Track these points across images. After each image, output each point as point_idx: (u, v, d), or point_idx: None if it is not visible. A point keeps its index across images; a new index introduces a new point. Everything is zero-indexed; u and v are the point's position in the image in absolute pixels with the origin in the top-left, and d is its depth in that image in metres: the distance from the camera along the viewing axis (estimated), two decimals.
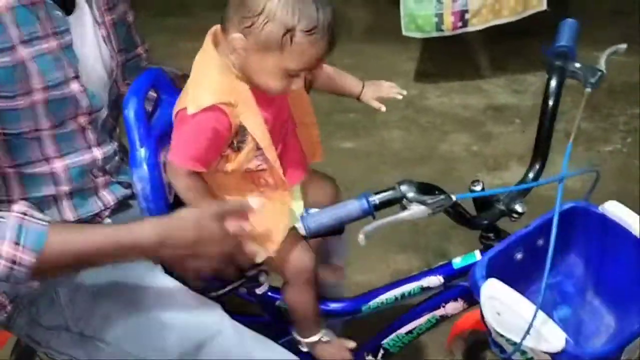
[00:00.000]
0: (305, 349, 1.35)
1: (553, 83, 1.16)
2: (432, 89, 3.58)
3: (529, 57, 3.53)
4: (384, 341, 1.37)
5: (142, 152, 1.07)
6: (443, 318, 1.31)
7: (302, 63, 1.05)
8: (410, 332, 1.34)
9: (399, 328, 1.35)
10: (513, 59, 3.80)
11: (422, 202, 1.02)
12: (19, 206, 0.99)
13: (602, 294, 1.12)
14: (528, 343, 0.95)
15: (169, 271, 1.20)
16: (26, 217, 0.97)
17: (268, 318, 1.39)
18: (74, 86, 1.07)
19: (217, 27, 1.10)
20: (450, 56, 3.72)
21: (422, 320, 1.32)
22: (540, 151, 1.17)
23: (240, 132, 1.10)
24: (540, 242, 1.11)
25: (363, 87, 1.38)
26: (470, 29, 3.34)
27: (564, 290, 1.17)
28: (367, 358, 1.40)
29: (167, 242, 1.02)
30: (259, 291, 1.32)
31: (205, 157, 1.10)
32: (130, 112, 1.07)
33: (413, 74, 3.68)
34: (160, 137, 1.12)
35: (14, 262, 0.94)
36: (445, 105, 3.44)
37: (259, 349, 1.18)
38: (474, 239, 1.25)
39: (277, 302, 1.35)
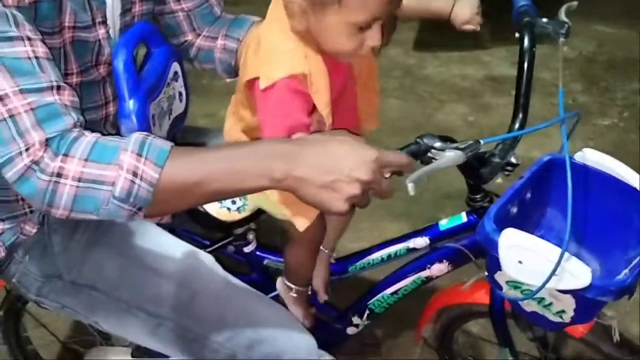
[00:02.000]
0: (278, 287, 1.36)
1: (526, 40, 1.18)
2: (430, 58, 3.56)
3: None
4: (370, 302, 1.39)
5: (130, 104, 1.06)
6: (428, 279, 1.33)
7: (366, 11, 0.93)
8: (395, 292, 1.36)
9: (384, 289, 1.36)
10: (513, 30, 3.77)
11: (456, 148, 1.01)
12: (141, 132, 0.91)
13: (584, 242, 1.13)
14: (553, 284, 0.95)
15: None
16: (150, 136, 0.89)
17: (255, 277, 1.41)
18: (101, 31, 1.06)
19: None
20: (449, 26, 3.68)
21: (407, 281, 1.33)
22: (521, 105, 1.18)
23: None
24: (528, 195, 1.12)
25: (453, 6, 1.26)
26: None
27: None
28: (353, 318, 1.42)
29: (303, 164, 0.84)
30: (247, 249, 1.34)
31: (302, 121, 1.00)
32: (119, 64, 1.06)
33: (412, 43, 3.65)
34: (149, 90, 1.11)
35: (135, 174, 0.85)
36: (443, 75, 3.43)
37: (250, 298, 1.19)
38: (466, 207, 1.26)
39: (265, 261, 1.36)
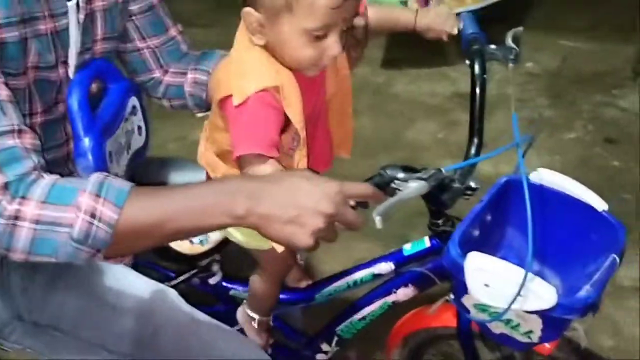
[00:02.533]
0: (239, 316, 1.35)
1: (477, 67, 1.20)
2: (399, 75, 3.59)
3: (495, 44, 3.56)
4: (338, 328, 1.39)
5: (86, 142, 1.06)
6: (395, 304, 1.33)
7: (318, 18, 0.93)
8: (363, 318, 1.36)
9: (352, 314, 1.36)
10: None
11: (419, 178, 1.02)
12: (102, 172, 0.90)
13: (545, 260, 1.14)
14: (519, 306, 0.96)
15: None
16: (109, 177, 0.88)
17: (221, 307, 1.40)
18: (61, 71, 1.06)
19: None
20: (417, 43, 3.71)
21: (374, 306, 1.34)
22: (476, 130, 1.20)
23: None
24: (489, 217, 1.14)
25: (416, 14, 1.26)
26: None
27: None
28: (321, 345, 1.42)
29: (266, 201, 0.84)
30: (212, 281, 1.33)
31: (272, 138, 0.98)
32: (73, 102, 1.06)
33: (380, 61, 3.68)
34: (106, 127, 1.11)
35: (93, 215, 0.84)
36: (412, 93, 3.45)
37: (215, 332, 1.18)
38: None
39: (231, 292, 1.36)
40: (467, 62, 1.22)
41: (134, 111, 1.21)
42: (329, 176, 1.00)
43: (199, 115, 1.32)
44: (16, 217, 0.85)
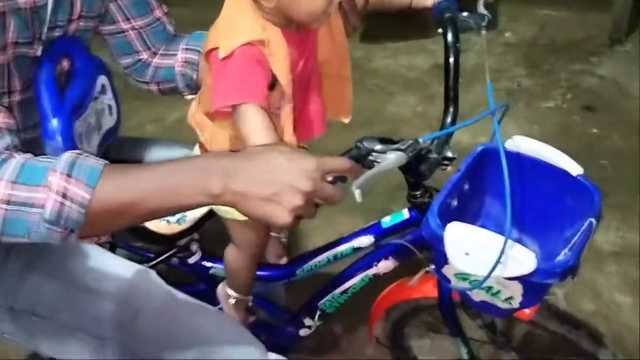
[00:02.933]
0: (218, 294, 1.35)
1: (449, 35, 1.19)
2: (378, 50, 3.57)
3: (468, 12, 3.55)
4: (320, 302, 1.38)
5: (54, 123, 1.03)
6: (376, 277, 1.33)
7: None
8: (345, 291, 1.36)
9: (334, 289, 1.36)
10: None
11: (397, 149, 1.02)
12: (75, 150, 0.88)
13: (523, 227, 1.15)
14: (499, 273, 0.97)
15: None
16: (81, 155, 0.85)
17: (202, 287, 1.39)
18: (38, 48, 1.04)
19: None
20: (395, 17, 3.70)
21: (355, 279, 1.33)
22: (451, 99, 1.19)
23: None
24: (466, 186, 1.14)
25: None
26: None
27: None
28: (304, 320, 1.42)
29: (241, 178, 0.82)
30: (191, 260, 1.32)
31: (259, 89, 0.97)
32: (40, 82, 1.04)
33: (359, 36, 3.66)
34: (75, 107, 1.08)
35: (64, 195, 0.82)
36: (391, 67, 3.45)
37: (196, 312, 1.18)
38: None
39: (211, 270, 1.35)
40: (440, 30, 1.21)
41: (103, 90, 1.18)
42: (308, 151, 1.01)
43: (189, 97, 1.30)
44: None
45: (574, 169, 1.12)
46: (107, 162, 0.86)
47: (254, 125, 0.95)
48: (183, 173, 0.84)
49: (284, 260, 1.37)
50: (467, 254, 0.98)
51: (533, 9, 3.88)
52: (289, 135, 1.05)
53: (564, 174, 1.12)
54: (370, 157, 1.03)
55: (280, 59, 1.01)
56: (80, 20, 1.13)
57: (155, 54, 1.27)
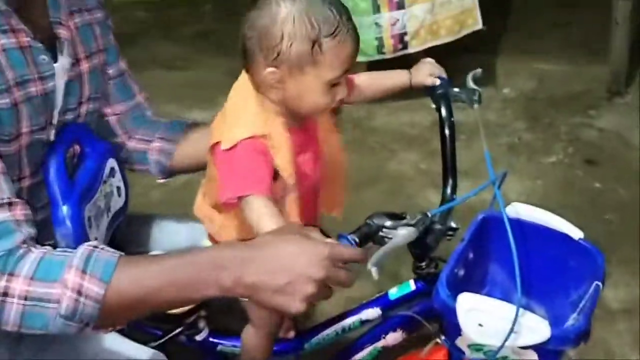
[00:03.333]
0: None
1: (443, 110, 1.23)
2: (378, 108, 3.62)
3: (457, 87, 3.61)
4: None
5: (64, 209, 1.05)
6: (385, 349, 1.32)
7: (339, 68, 1.03)
8: None
9: None
10: (455, 75, 3.88)
11: (407, 224, 1.05)
12: (91, 242, 0.91)
13: (528, 293, 1.14)
14: (514, 342, 0.97)
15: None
16: (97, 248, 0.88)
17: None
18: (51, 132, 1.08)
19: None
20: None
21: (364, 352, 1.33)
22: (450, 170, 1.22)
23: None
24: (471, 255, 1.15)
25: (410, 73, 1.31)
26: (410, 50, 3.40)
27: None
28: None
29: (252, 270, 0.83)
30: (199, 337, 1.32)
31: (264, 180, 1.00)
32: (50, 169, 1.06)
33: None
34: (84, 192, 1.10)
35: (80, 292, 0.84)
36: (392, 124, 3.48)
37: None
38: None
39: (219, 347, 1.34)
40: (434, 106, 1.25)
41: (112, 173, 1.21)
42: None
43: (161, 181, 1.36)
44: (5, 294, 0.86)
45: (575, 233, 1.14)
46: (121, 254, 0.88)
47: (261, 213, 0.98)
48: (194, 266, 0.85)
49: (291, 334, 1.37)
50: (480, 325, 0.99)
51: (530, 63, 3.94)
52: (294, 219, 1.07)
53: (566, 237, 1.14)
54: (381, 233, 1.05)
55: (282, 151, 1.05)
56: (90, 102, 1.18)
57: (130, 137, 1.31)
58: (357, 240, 0.99)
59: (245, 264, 0.83)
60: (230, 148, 1.02)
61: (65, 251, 0.90)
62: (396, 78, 1.32)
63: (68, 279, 0.85)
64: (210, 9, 5.00)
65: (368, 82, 1.29)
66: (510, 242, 1.01)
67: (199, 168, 1.32)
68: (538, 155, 3.11)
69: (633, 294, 2.22)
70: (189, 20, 4.97)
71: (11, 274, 0.86)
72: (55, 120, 1.09)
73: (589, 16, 4.15)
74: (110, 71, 1.25)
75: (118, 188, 1.24)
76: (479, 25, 3.39)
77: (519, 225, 1.16)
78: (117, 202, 1.23)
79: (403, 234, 1.04)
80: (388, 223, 1.05)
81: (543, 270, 1.16)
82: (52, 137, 1.09)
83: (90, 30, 1.19)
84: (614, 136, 3.22)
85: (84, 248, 0.88)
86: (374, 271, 0.92)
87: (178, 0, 5.16)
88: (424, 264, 1.24)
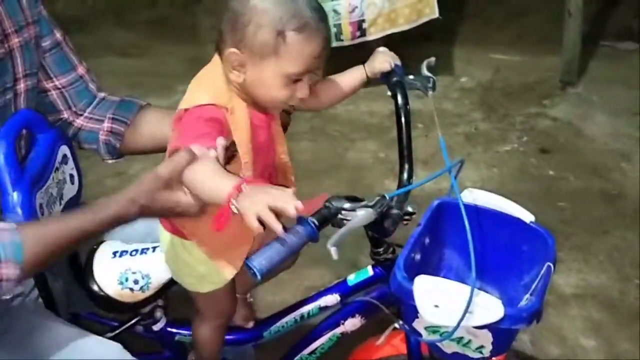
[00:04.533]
0: None
1: (399, 97, 1.24)
2: None
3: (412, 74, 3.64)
4: None
5: (14, 196, 1.02)
6: (344, 335, 1.33)
7: (300, 64, 1.02)
8: (313, 352, 1.35)
9: (302, 349, 1.35)
10: (414, 64, 3.90)
11: (366, 206, 1.06)
12: None
13: (482, 276, 1.15)
14: (469, 322, 0.99)
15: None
16: None
17: (167, 354, 1.36)
18: None
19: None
20: (354, 64, 3.77)
21: (323, 339, 1.33)
22: (406, 157, 1.23)
23: (232, 144, 1.04)
24: (427, 240, 1.17)
25: (365, 68, 1.29)
26: (368, 38, 3.42)
27: None
28: None
29: (146, 207, 0.96)
30: (156, 327, 1.30)
31: (212, 137, 0.98)
32: None
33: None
34: (35, 179, 1.07)
35: (0, 280, 0.90)
36: (352, 113, 3.49)
37: None
38: None
39: (177, 337, 1.32)
40: (389, 93, 1.25)
41: (64, 160, 1.18)
42: None
43: (110, 161, 1.32)
44: None
45: (527, 216, 1.16)
46: (15, 225, 0.93)
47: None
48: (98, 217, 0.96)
49: (250, 324, 1.36)
50: (436, 306, 1.00)
51: (487, 54, 4.00)
52: None
53: (518, 222, 1.16)
54: (340, 216, 1.06)
55: (241, 128, 1.04)
56: (27, 79, 1.13)
57: (77, 114, 1.27)
58: (316, 223, 0.98)
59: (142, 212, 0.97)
60: (189, 109, 1.02)
61: None
62: (352, 77, 1.31)
63: None
64: None
65: (323, 87, 1.26)
66: (466, 225, 1.02)
67: (151, 151, 1.30)
68: (494, 144, 3.16)
69: (585, 279, 2.28)
70: (142, 6, 4.87)
71: None
72: None
73: (544, 7, 4.22)
74: (45, 44, 1.20)
75: (71, 176, 1.21)
76: (436, 14, 3.42)
77: (474, 210, 1.18)
78: (69, 190, 1.20)
79: (362, 214, 1.05)
80: (347, 205, 1.06)
81: (497, 254, 1.19)
82: None
83: (15, 3, 1.14)
84: (567, 126, 3.29)
85: None
86: (333, 251, 0.92)
87: None
88: (381, 249, 1.24)
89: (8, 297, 0.98)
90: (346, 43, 3.41)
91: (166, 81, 3.47)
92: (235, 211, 0.87)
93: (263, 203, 0.84)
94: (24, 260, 0.91)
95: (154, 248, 1.23)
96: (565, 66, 3.61)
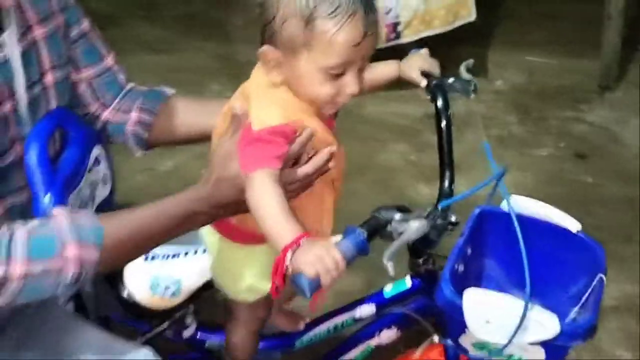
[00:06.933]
0: None
1: (440, 102, 1.19)
2: (369, 98, 3.55)
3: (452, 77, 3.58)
4: None
5: (46, 200, 1.00)
6: (378, 347, 1.30)
7: (337, 55, 0.91)
8: None
9: (335, 359, 1.32)
10: (448, 67, 3.84)
11: (419, 217, 1.03)
12: (59, 209, 0.96)
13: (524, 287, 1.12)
14: (522, 338, 0.95)
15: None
16: (74, 215, 0.94)
17: (195, 355, 1.34)
18: (8, 105, 0.99)
19: None
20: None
21: (357, 350, 1.30)
22: (447, 165, 1.19)
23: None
24: (469, 250, 1.13)
25: (399, 65, 1.24)
26: (403, 40, 3.36)
27: None
28: None
29: (222, 178, 0.97)
30: (186, 333, 1.27)
31: (279, 158, 0.93)
32: (31, 158, 1.00)
33: None
34: (68, 181, 1.05)
35: (81, 263, 0.92)
36: (382, 115, 3.44)
37: None
38: None
39: (207, 343, 1.30)
40: (428, 97, 1.20)
41: (97, 160, 1.15)
42: None
43: (138, 154, 1.27)
44: (4, 278, 0.88)
45: (573, 225, 1.11)
46: (99, 217, 0.96)
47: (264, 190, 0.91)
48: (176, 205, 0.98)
49: (301, 326, 1.32)
50: (487, 321, 0.97)
51: (521, 56, 3.91)
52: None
53: (563, 230, 1.12)
54: (389, 227, 1.02)
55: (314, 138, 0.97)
56: (55, 70, 1.08)
57: (105, 106, 1.21)
58: (365, 233, 0.93)
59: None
60: (260, 130, 0.94)
61: (43, 225, 0.93)
62: (384, 71, 1.25)
63: (66, 252, 0.91)
64: None
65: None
66: (518, 236, 1.00)
67: (181, 141, 1.25)
68: (528, 148, 3.09)
69: (623, 290, 2.20)
70: (173, 1, 4.84)
71: (8, 259, 0.88)
72: (20, 95, 1.00)
73: (580, 9, 4.12)
74: (73, 33, 1.14)
75: (104, 176, 1.18)
76: (473, 17, 3.37)
77: (517, 218, 1.11)
78: (102, 192, 1.17)
79: (416, 226, 1.01)
80: (398, 216, 1.02)
81: (541, 264, 1.12)
82: (21, 110, 1.01)
83: None
84: (604, 131, 3.21)
85: (63, 218, 0.93)
86: (389, 266, 0.91)
87: None
88: (421, 260, 1.20)
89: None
90: (380, 45, 3.35)
91: (197, 77, 3.44)
92: (288, 263, 0.83)
93: (319, 263, 0.81)
94: (104, 245, 0.93)
95: (186, 253, 1.20)
96: (604, 70, 3.52)
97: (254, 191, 0.91)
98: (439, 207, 1.05)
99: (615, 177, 2.81)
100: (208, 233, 1.14)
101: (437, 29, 3.37)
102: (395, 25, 3.34)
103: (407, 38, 3.36)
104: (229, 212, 1.01)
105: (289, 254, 0.82)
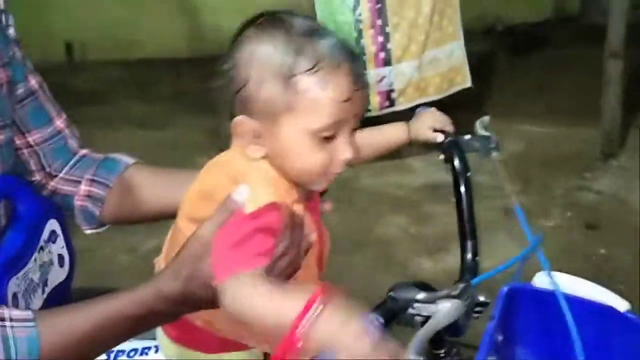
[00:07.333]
0: None
1: (457, 162, 1.12)
2: (364, 169, 3.48)
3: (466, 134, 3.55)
4: None
5: None
6: None
7: (325, 115, 0.78)
8: None
9: None
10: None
11: (449, 297, 0.88)
12: None
13: None
14: None
15: None
16: (6, 322, 0.80)
17: None
18: None
19: None
20: None
21: None
22: (469, 232, 1.07)
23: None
24: (500, 337, 1.00)
25: (409, 128, 1.17)
26: (397, 108, 3.32)
27: None
28: None
29: (190, 279, 0.80)
30: None
31: (271, 253, 0.80)
32: None
33: None
34: (11, 262, 0.87)
35: None
36: (379, 186, 3.36)
37: None
38: None
39: None
40: (442, 157, 1.11)
41: (52, 238, 0.97)
42: None
43: (88, 232, 1.10)
44: None
45: (621, 304, 1.02)
46: (34, 315, 0.81)
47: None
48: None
49: None
50: None
51: (517, 126, 3.89)
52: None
53: (609, 310, 1.02)
54: (411, 310, 0.88)
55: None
56: (1, 131, 0.94)
57: (51, 175, 1.06)
58: (381, 320, 0.76)
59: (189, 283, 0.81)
60: (253, 213, 0.79)
61: None
62: (393, 134, 1.16)
63: None
64: (188, 68, 4.90)
65: (363, 136, 1.02)
66: (570, 323, 0.89)
67: (142, 220, 1.09)
68: (535, 219, 2.96)
69: None
70: (165, 80, 4.88)
71: None
72: None
73: (576, 79, 4.14)
74: (19, 92, 1.01)
75: (60, 257, 0.99)
76: (468, 83, 3.40)
77: (552, 297, 1.01)
78: (57, 275, 0.98)
79: (447, 309, 0.86)
80: (421, 296, 0.86)
81: (584, 348, 0.99)
82: None
83: None
84: (613, 199, 3.13)
85: None
86: None
87: (155, 59, 5.05)
88: (442, 351, 1.01)
89: None
90: (374, 114, 3.32)
91: (186, 153, 3.38)
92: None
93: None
94: (40, 356, 0.80)
95: (157, 347, 1.00)
96: (606, 136, 3.47)
97: (251, 301, 0.75)
98: (472, 284, 0.87)
99: (632, 247, 2.67)
100: (163, 335, 0.95)
101: (432, 96, 3.35)
102: (389, 93, 3.32)
103: (401, 106, 3.33)
104: (195, 309, 0.85)
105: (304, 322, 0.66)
